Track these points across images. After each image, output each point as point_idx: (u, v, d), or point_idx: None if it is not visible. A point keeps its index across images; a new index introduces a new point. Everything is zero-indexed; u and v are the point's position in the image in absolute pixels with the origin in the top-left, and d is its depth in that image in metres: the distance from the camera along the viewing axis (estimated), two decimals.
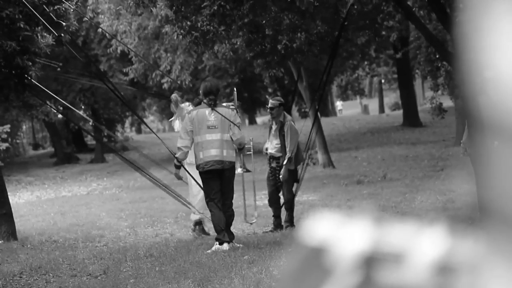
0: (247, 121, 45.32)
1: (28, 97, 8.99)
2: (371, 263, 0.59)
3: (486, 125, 0.59)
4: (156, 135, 10.25)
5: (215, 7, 9.92)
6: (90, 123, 26.90)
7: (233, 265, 6.14)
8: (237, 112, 7.72)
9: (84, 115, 14.04)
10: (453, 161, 16.83)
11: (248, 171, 8.55)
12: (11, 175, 23.72)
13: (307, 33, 11.85)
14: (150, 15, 19.80)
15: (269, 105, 9.09)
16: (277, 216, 9.17)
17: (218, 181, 7.37)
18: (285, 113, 9.18)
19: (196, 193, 8.59)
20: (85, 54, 16.48)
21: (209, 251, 7.12)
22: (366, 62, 29.85)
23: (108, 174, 23.78)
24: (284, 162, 8.84)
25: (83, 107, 28.09)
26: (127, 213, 12.22)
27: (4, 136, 18.40)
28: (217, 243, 7.26)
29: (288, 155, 8.82)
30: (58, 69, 9.79)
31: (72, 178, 23.31)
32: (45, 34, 8.54)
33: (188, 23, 10.50)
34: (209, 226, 8.66)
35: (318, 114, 14.87)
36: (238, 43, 12.50)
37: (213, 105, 7.42)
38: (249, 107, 36.79)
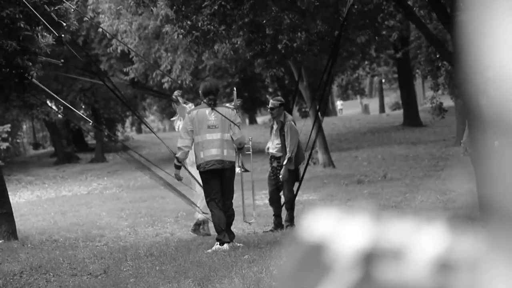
0: (247, 121, 45.31)
1: (29, 97, 8.98)
2: (370, 260, 0.59)
3: (486, 124, 0.59)
4: (156, 135, 10.24)
5: (216, 7, 9.93)
6: (90, 124, 26.90)
7: (233, 264, 6.14)
8: (237, 111, 7.72)
9: (84, 116, 13.99)
10: (453, 161, 16.83)
11: (246, 171, 8.54)
12: (11, 174, 23.74)
13: (307, 32, 11.86)
14: (151, 14, 19.80)
15: (270, 105, 9.10)
16: (277, 215, 9.18)
17: (218, 181, 7.38)
18: (286, 113, 9.18)
19: (200, 193, 8.60)
20: (85, 54, 16.49)
21: (209, 250, 7.13)
22: (366, 62, 29.81)
23: (108, 173, 23.77)
24: (284, 162, 8.85)
25: (83, 106, 28.09)
26: (128, 212, 12.22)
27: (5, 135, 18.42)
28: (218, 243, 7.26)
29: (288, 155, 8.82)
30: (60, 64, 9.77)
31: (72, 178, 23.31)
32: (45, 34, 8.54)
33: (189, 22, 10.51)
34: (210, 226, 8.67)
35: (319, 114, 14.83)
36: (239, 43, 12.49)
37: (213, 105, 7.43)
38: (250, 107, 36.79)
